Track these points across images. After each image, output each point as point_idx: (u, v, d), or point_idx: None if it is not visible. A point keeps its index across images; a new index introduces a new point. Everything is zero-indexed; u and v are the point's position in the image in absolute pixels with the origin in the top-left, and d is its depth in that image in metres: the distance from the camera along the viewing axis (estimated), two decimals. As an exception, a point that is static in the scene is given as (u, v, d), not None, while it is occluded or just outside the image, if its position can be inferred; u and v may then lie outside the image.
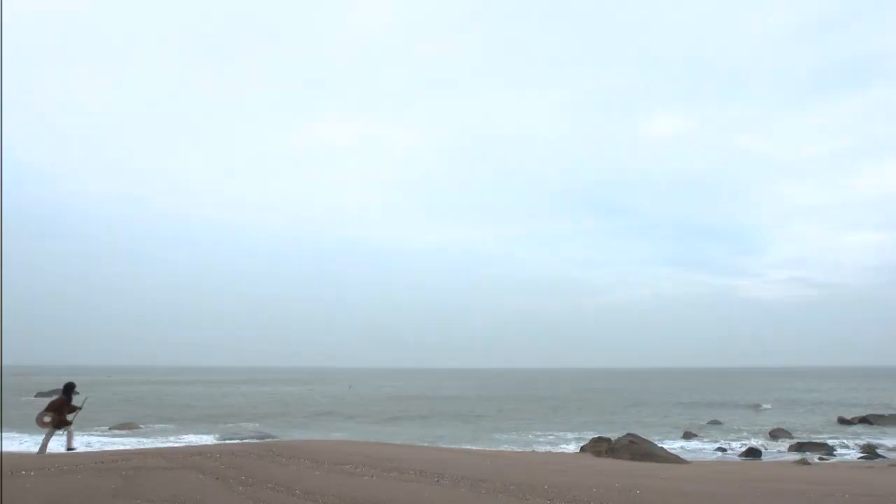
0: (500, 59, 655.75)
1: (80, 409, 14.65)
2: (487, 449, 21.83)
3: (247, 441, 24.25)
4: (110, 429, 35.50)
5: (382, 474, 8.51)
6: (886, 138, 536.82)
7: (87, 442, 29.95)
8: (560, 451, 26.17)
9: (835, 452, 27.07)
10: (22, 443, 27.95)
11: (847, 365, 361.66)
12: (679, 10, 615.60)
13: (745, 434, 34.85)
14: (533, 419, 43.91)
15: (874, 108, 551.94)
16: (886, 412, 43.77)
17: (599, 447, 20.54)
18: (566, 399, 68.24)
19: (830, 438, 31.67)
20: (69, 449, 14.03)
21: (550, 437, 33.54)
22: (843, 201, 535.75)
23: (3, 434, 30.49)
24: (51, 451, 14.04)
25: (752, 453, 26.29)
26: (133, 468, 8.08)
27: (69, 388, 14.76)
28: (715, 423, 40.10)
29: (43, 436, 14.43)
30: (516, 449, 26.28)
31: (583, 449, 22.22)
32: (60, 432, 14.46)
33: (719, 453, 27.58)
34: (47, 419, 14.13)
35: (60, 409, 14.28)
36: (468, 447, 23.50)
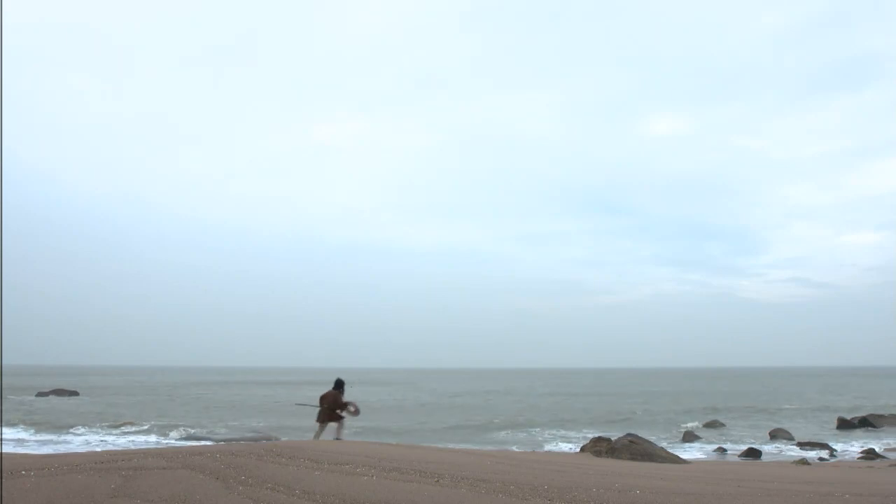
0: (500, 58, 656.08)
1: (349, 404, 15.00)
2: (487, 449, 21.82)
3: (247, 441, 24.24)
4: (110, 428, 35.52)
5: (382, 474, 8.50)
6: (886, 138, 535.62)
7: (87, 441, 30.00)
8: (560, 451, 26.19)
9: (835, 452, 27.08)
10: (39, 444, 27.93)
11: (847, 365, 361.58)
12: (679, 10, 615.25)
13: (744, 434, 34.88)
14: (532, 419, 43.92)
15: (874, 107, 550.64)
16: (886, 412, 43.76)
17: (599, 447, 20.50)
18: (566, 399, 68.27)
19: (830, 439, 31.69)
20: (336, 439, 14.35)
21: (550, 436, 33.56)
22: (843, 201, 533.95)
23: (3, 434, 30.49)
24: (51, 451, 14.08)
25: (752, 453, 26.30)
26: (133, 468, 8.08)
27: (340, 384, 15.11)
28: (715, 423, 40.09)
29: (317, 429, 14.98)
30: (517, 449, 26.30)
31: (583, 449, 22.19)
32: (334, 425, 14.85)
33: (719, 453, 27.59)
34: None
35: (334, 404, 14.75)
36: (468, 447, 23.49)
